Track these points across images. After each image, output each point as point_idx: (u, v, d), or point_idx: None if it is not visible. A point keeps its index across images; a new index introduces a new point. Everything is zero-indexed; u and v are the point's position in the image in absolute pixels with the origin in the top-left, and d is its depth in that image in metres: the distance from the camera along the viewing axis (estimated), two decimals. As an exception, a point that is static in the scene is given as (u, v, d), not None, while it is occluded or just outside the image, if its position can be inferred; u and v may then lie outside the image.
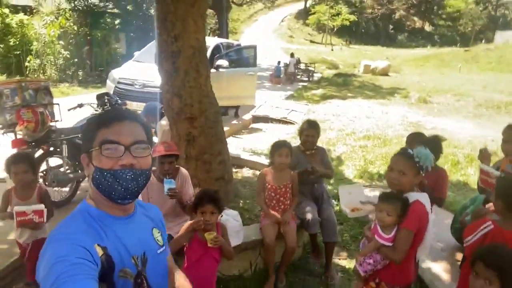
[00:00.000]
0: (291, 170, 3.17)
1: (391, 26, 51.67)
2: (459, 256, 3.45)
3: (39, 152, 3.97)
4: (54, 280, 0.89)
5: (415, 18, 54.39)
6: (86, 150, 1.14)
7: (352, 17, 43.04)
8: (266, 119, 9.67)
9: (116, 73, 7.69)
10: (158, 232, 1.29)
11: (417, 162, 1.99)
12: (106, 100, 4.85)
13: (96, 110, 4.84)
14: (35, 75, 14.23)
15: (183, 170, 2.97)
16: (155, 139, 4.30)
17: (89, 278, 0.93)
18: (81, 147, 1.18)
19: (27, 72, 14.26)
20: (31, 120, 3.51)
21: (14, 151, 3.69)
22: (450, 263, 3.36)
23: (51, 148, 4.04)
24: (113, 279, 1.07)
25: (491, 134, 8.07)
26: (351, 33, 48.67)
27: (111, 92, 6.97)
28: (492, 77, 19.28)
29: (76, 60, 16.12)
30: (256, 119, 9.67)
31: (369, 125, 8.61)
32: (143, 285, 1.15)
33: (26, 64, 14.55)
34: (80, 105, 4.79)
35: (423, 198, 2.05)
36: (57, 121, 4.05)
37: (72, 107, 4.67)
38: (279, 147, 3.09)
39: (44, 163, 4.03)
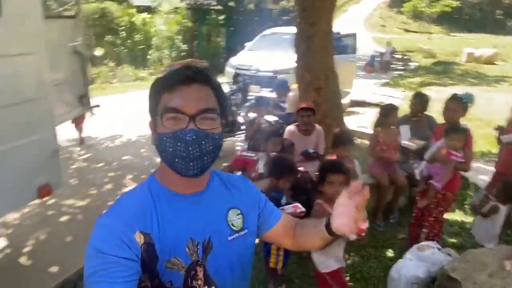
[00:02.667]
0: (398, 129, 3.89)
1: (499, 12, 46.52)
2: None
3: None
4: (89, 275, 0.89)
5: (531, 1, 48.11)
6: (152, 116, 1.03)
7: (455, 3, 39.84)
8: (363, 104, 10.19)
9: (234, 61, 9.01)
10: (238, 214, 1.12)
11: (464, 103, 3.17)
12: (240, 79, 6.05)
13: (231, 88, 6.07)
14: (156, 66, 16.68)
15: (318, 126, 3.87)
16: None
17: (122, 282, 0.88)
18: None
19: (149, 64, 16.69)
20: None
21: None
22: None
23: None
24: (156, 269, 0.97)
25: None
26: (452, 20, 45.00)
27: (231, 77, 8.30)
28: None
29: (185, 53, 18.30)
30: (354, 103, 10.24)
31: (472, 109, 8.62)
32: (197, 277, 1.01)
33: (148, 56, 17.04)
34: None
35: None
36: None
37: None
38: (390, 109, 3.85)
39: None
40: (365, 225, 2.17)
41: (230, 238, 1.08)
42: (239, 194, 1.17)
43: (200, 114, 0.96)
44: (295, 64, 4.55)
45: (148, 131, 1.07)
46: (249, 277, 1.19)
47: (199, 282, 1.01)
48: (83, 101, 3.56)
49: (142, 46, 17.12)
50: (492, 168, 5.30)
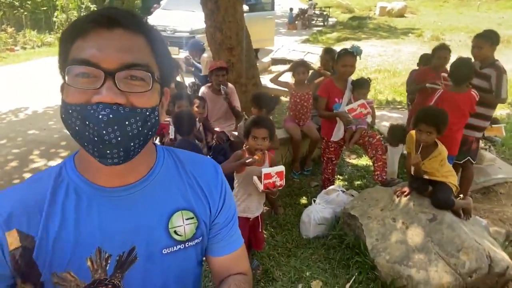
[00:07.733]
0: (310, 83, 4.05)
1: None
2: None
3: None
4: None
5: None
6: (62, 76, 0.69)
7: (369, -43, 41.01)
8: (284, 61, 10.39)
9: (150, 22, 8.50)
10: (189, 218, 0.82)
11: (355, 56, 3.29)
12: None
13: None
14: (63, 29, 15.15)
15: (230, 84, 3.90)
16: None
17: None
18: None
19: (56, 27, 15.07)
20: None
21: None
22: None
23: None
24: (39, 282, 0.73)
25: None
26: (367, -25, 46.54)
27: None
28: (511, 15, 19.04)
29: (97, 13, 16.80)
30: (275, 61, 10.40)
31: (380, 62, 9.28)
32: None
33: (54, 19, 15.35)
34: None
35: None
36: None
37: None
38: (297, 66, 3.96)
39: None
40: (280, 182, 2.34)
41: (166, 251, 0.79)
42: (199, 187, 0.85)
43: (123, 70, 0.65)
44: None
45: (58, 101, 0.75)
46: None
47: None
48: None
49: (45, 8, 15.33)
50: (395, 115, 5.87)
